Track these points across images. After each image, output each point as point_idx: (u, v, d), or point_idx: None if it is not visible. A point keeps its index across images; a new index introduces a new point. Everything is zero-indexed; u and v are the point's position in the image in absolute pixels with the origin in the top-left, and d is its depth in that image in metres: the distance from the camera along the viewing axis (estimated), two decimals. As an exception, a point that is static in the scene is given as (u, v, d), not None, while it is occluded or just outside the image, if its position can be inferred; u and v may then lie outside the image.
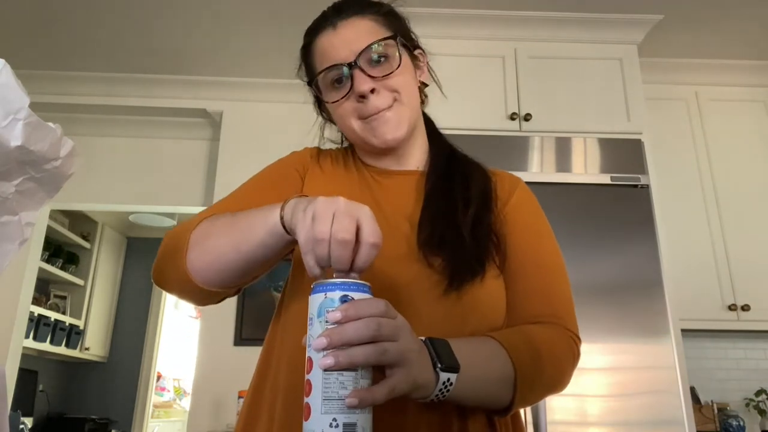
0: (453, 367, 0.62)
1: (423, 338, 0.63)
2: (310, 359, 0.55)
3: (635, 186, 2.22)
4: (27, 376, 3.95)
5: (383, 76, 0.82)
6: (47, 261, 4.10)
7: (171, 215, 4.56)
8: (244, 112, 3.12)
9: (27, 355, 3.74)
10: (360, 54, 0.81)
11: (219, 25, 2.69)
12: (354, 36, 0.83)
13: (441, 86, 0.98)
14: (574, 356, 0.79)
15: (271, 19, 2.65)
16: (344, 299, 0.56)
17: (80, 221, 4.58)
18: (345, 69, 0.82)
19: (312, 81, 0.88)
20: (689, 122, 2.79)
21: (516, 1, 2.48)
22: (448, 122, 2.22)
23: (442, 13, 2.49)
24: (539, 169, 2.25)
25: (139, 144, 3.28)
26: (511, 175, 0.97)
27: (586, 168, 2.27)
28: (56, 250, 4.29)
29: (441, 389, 0.62)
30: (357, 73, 0.81)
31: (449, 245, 0.77)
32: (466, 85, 2.43)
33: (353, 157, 0.94)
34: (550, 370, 0.75)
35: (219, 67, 3.03)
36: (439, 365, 0.61)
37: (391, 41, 0.84)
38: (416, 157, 0.92)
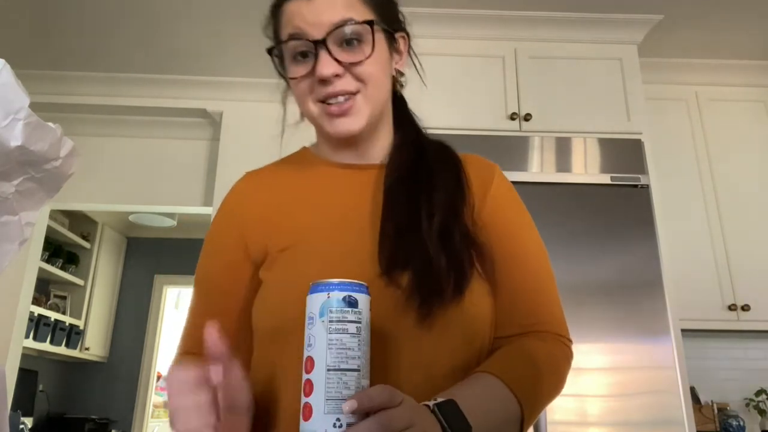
0: (465, 431, 0.59)
1: (429, 404, 0.59)
2: (310, 358, 0.55)
3: (635, 186, 2.22)
4: (27, 376, 3.95)
5: (351, 63, 0.74)
6: (47, 261, 4.10)
7: (171, 215, 4.57)
8: (244, 112, 3.12)
9: (27, 355, 3.74)
10: (330, 32, 0.73)
11: (219, 25, 2.69)
12: (328, 8, 0.73)
13: (423, 75, 0.91)
14: (569, 361, 0.78)
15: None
16: (348, 300, 0.56)
17: (80, 221, 4.58)
18: (310, 45, 0.73)
19: (273, 48, 0.79)
20: (689, 122, 2.79)
21: (516, 1, 2.48)
22: (448, 122, 2.24)
23: (442, 13, 2.49)
24: (539, 169, 2.25)
25: (139, 144, 3.28)
26: (485, 163, 0.90)
27: (586, 168, 2.27)
28: (56, 250, 4.29)
29: None
30: (323, 53, 0.73)
31: (414, 264, 0.69)
32: (466, 85, 2.43)
33: (312, 151, 0.87)
34: (551, 387, 0.74)
35: (219, 67, 3.03)
36: None
37: (365, 27, 0.74)
38: (380, 149, 0.84)
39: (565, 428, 1.90)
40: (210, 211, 2.99)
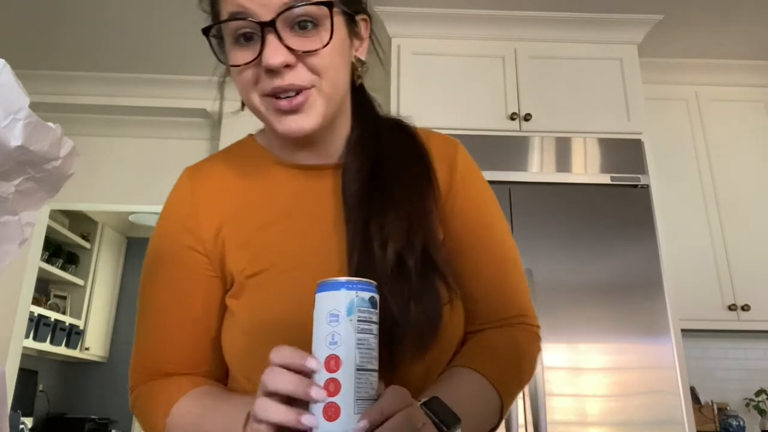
0: (455, 424, 0.58)
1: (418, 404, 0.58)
2: (335, 357, 0.54)
3: (635, 186, 2.22)
4: (27, 376, 3.95)
5: (305, 52, 0.63)
6: (47, 261, 4.10)
7: (171, 215, 4.56)
8: (244, 113, 3.11)
9: (27, 355, 3.74)
10: (281, 12, 0.61)
11: (219, 25, 2.69)
12: None
13: (384, 63, 0.80)
14: (538, 345, 0.77)
15: (271, 19, 2.65)
16: (373, 301, 0.56)
17: (80, 221, 4.58)
18: (256, 27, 0.63)
19: (210, 28, 0.69)
20: (689, 122, 2.79)
21: (516, 1, 2.48)
22: (448, 122, 2.24)
23: (442, 13, 2.49)
24: (539, 169, 2.25)
25: (140, 144, 3.28)
26: (447, 141, 0.81)
27: (586, 168, 2.27)
28: (56, 250, 4.29)
29: None
30: (271, 38, 0.62)
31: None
32: (466, 85, 2.43)
33: (261, 144, 0.78)
34: (524, 373, 0.74)
35: (219, 67, 3.03)
36: (445, 429, 0.57)
37: (323, 9, 0.63)
38: (337, 145, 0.74)
39: (565, 428, 1.91)
40: (210, 211, 2.99)
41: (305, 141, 0.71)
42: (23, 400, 3.86)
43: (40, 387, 4.25)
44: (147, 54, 2.94)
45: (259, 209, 0.72)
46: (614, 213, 2.17)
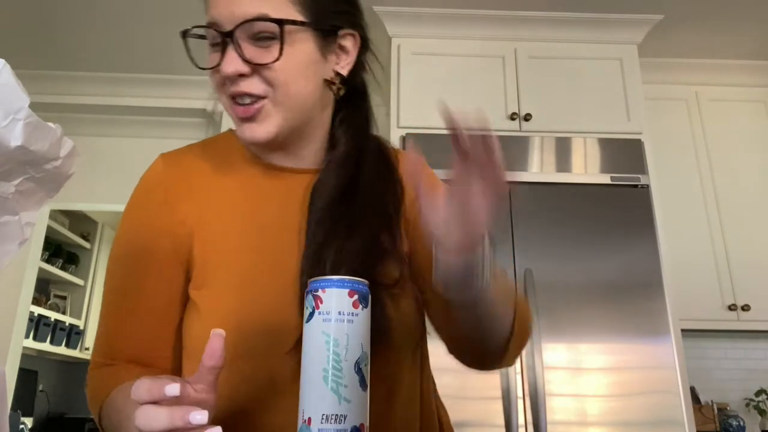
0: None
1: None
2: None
3: (635, 186, 2.22)
4: (27, 376, 3.95)
5: (258, 64, 0.66)
6: (47, 261, 4.10)
7: (171, 215, 4.56)
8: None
9: (27, 355, 3.74)
10: (238, 25, 0.66)
11: (219, 25, 2.69)
12: None
13: (380, 80, 0.82)
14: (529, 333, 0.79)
15: (271, 19, 2.65)
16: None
17: (80, 221, 4.58)
18: (218, 36, 0.68)
19: (186, 33, 0.72)
20: (689, 122, 2.79)
21: (516, 1, 2.48)
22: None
23: (442, 13, 2.49)
24: (539, 169, 2.25)
25: (140, 144, 3.28)
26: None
27: (586, 168, 2.27)
28: (56, 250, 4.29)
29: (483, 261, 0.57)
30: (229, 48, 0.67)
31: None
32: (466, 85, 2.43)
33: (239, 145, 0.77)
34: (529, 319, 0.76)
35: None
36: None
37: (276, 26, 0.66)
38: (312, 152, 0.76)
39: (565, 428, 1.91)
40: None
41: (272, 145, 0.73)
42: (23, 400, 3.86)
43: (40, 387, 4.25)
44: (147, 54, 2.94)
45: (229, 203, 0.73)
46: (614, 213, 2.17)
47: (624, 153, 2.28)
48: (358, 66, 0.77)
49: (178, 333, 0.73)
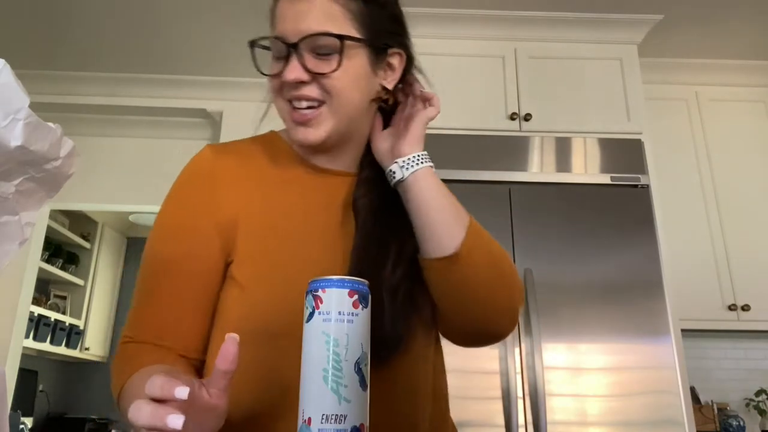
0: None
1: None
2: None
3: (635, 186, 2.22)
4: (27, 376, 3.95)
5: (318, 73, 0.74)
6: (47, 261, 4.10)
7: (171, 215, 4.56)
8: (244, 112, 3.11)
9: (27, 355, 3.74)
10: (303, 39, 0.73)
11: (219, 25, 2.69)
12: (308, 15, 0.73)
13: (429, 88, 0.88)
14: (521, 300, 0.80)
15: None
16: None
17: (80, 221, 4.58)
18: (285, 48, 0.75)
19: (255, 42, 0.79)
20: (689, 122, 2.79)
21: (516, 1, 2.48)
22: (448, 122, 2.23)
23: (442, 13, 2.49)
24: (539, 169, 2.25)
25: (140, 144, 3.28)
26: None
27: (586, 168, 2.27)
28: (56, 250, 4.29)
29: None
30: (293, 57, 0.74)
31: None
32: (466, 85, 2.43)
33: (285, 139, 0.84)
34: (504, 264, 0.78)
35: (219, 67, 3.03)
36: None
37: (337, 41, 0.73)
38: (353, 158, 0.83)
39: (565, 428, 1.91)
40: (210, 211, 2.99)
41: (319, 148, 0.80)
42: (23, 400, 3.86)
43: (40, 387, 4.25)
44: (147, 54, 2.94)
45: (275, 196, 0.78)
46: (614, 213, 2.17)
47: (624, 153, 2.28)
48: (402, 82, 0.84)
49: (208, 320, 0.76)
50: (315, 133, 0.76)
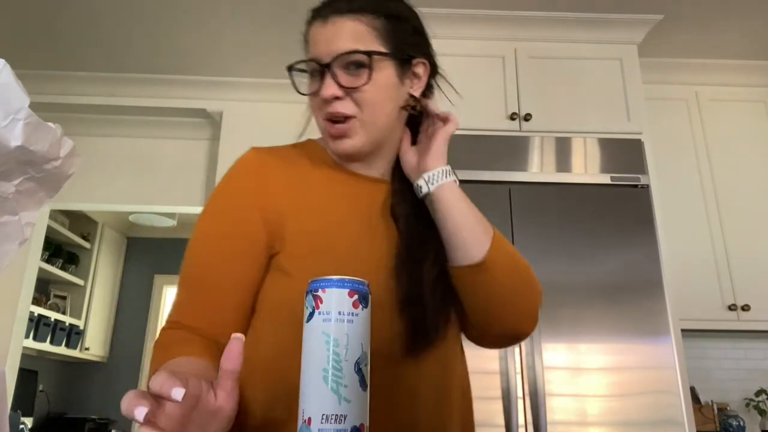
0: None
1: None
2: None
3: (635, 186, 2.22)
4: (27, 376, 3.95)
5: (351, 88, 0.81)
6: (47, 261, 4.10)
7: (171, 215, 4.57)
8: (244, 112, 3.12)
9: (27, 355, 3.74)
10: (336, 58, 0.81)
11: (219, 24, 2.69)
12: (337, 37, 0.81)
13: (449, 98, 0.97)
14: (539, 299, 0.86)
15: (272, 19, 2.65)
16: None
17: (80, 221, 4.58)
18: (320, 68, 0.82)
19: (292, 66, 0.86)
20: (689, 122, 2.79)
21: (516, 1, 2.48)
22: (448, 122, 2.24)
23: (442, 13, 2.49)
24: (539, 169, 2.25)
25: (139, 144, 3.28)
26: None
27: (586, 168, 2.27)
28: (56, 250, 4.29)
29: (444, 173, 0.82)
30: (327, 76, 0.81)
31: (413, 306, 0.78)
32: (466, 85, 2.41)
33: (323, 147, 0.91)
34: (524, 272, 0.84)
35: (219, 67, 3.03)
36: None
37: (366, 57, 0.81)
38: (385, 164, 0.90)
39: (565, 428, 1.91)
40: (210, 211, 2.99)
41: (355, 157, 0.87)
42: (23, 400, 3.86)
43: (40, 387, 4.25)
44: (147, 54, 2.94)
45: (320, 198, 0.85)
46: (614, 213, 2.17)
47: (624, 153, 2.28)
48: (427, 90, 0.92)
49: (249, 305, 0.81)
50: (351, 143, 0.83)
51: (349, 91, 0.81)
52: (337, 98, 0.81)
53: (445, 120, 0.87)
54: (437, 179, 0.82)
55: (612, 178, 2.23)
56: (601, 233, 2.14)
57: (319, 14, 0.84)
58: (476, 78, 2.45)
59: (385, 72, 0.83)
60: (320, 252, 0.79)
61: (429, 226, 0.83)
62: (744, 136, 2.78)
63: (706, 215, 2.63)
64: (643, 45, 2.58)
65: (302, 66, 0.86)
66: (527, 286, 0.83)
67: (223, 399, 0.55)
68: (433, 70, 0.93)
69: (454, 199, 0.81)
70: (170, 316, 0.81)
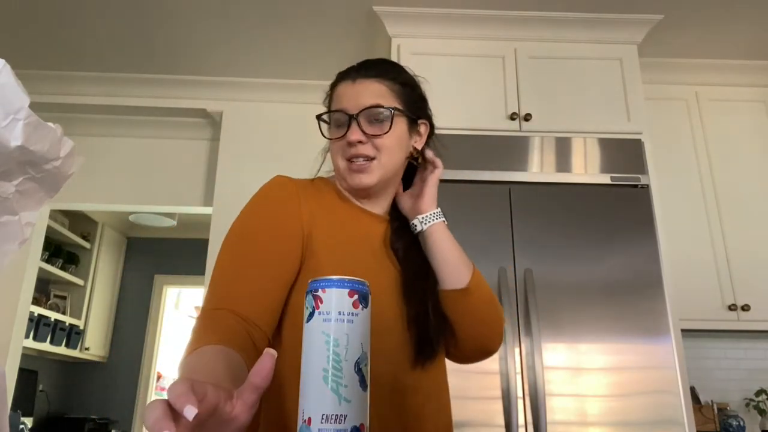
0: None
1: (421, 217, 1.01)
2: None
3: (635, 186, 2.22)
4: (27, 376, 3.95)
5: (372, 135, 0.97)
6: (47, 261, 4.10)
7: (171, 215, 4.57)
8: (244, 112, 3.12)
9: (27, 355, 3.74)
10: (362, 110, 0.97)
11: (219, 25, 2.69)
12: (364, 94, 0.99)
13: (441, 153, 1.10)
14: (501, 334, 1.05)
15: (272, 19, 2.65)
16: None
17: (80, 221, 4.58)
18: (347, 117, 0.98)
19: (322, 115, 1.02)
20: (689, 122, 2.79)
21: (516, 1, 2.48)
22: (448, 122, 2.23)
23: (442, 13, 2.49)
24: (539, 169, 2.25)
25: (139, 144, 3.28)
26: None
27: (586, 168, 2.27)
28: (56, 250, 4.29)
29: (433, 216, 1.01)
30: (353, 124, 0.97)
31: (420, 323, 0.95)
32: (466, 85, 2.43)
33: (337, 189, 1.05)
34: (494, 304, 1.03)
35: (219, 67, 3.03)
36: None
37: (388, 111, 0.99)
38: (384, 204, 1.06)
39: (565, 428, 1.91)
40: (210, 211, 2.99)
41: (364, 193, 1.03)
42: (23, 400, 3.86)
43: (40, 387, 4.25)
44: (147, 54, 2.94)
45: (340, 225, 0.99)
46: (614, 213, 2.17)
47: (624, 153, 2.28)
48: (425, 145, 1.08)
49: (282, 299, 0.91)
50: (368, 178, 0.99)
51: (370, 137, 0.98)
52: (360, 142, 0.97)
53: (434, 164, 1.05)
54: (429, 220, 1.00)
55: (612, 178, 2.23)
56: (601, 233, 2.14)
57: (347, 76, 1.02)
58: (476, 78, 2.45)
59: (400, 126, 1.01)
60: (342, 268, 0.84)
61: (424, 259, 1.00)
62: (744, 136, 2.78)
63: (706, 215, 2.63)
64: (643, 45, 2.58)
65: (325, 117, 1.02)
66: (497, 311, 1.02)
67: (241, 409, 0.54)
68: (432, 130, 1.09)
69: (442, 238, 1.00)
70: (207, 302, 0.86)
